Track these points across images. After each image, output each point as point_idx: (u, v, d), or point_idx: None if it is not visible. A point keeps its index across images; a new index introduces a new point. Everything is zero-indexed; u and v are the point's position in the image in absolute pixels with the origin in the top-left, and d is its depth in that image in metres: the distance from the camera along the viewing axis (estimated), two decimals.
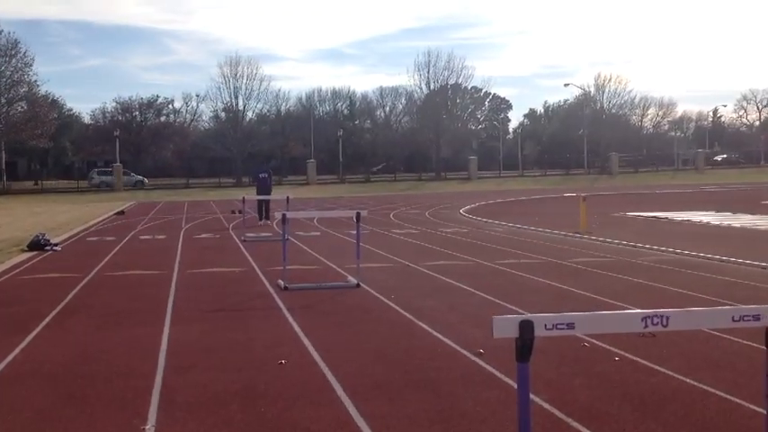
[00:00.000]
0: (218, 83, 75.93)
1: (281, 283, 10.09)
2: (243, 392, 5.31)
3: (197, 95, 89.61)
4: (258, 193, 23.52)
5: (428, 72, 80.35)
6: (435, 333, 7.14)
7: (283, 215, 10.56)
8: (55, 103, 75.31)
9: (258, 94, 78.34)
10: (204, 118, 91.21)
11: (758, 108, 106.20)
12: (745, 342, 6.37)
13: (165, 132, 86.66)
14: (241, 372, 5.87)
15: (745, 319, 3.02)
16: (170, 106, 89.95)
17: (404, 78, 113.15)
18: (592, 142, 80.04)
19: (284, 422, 4.68)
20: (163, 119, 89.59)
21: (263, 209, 22.85)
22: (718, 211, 24.10)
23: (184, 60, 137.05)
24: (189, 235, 19.46)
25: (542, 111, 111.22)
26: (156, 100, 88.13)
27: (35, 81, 61.62)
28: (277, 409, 4.94)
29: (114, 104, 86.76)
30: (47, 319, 8.17)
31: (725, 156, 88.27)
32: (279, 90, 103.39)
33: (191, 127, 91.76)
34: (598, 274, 11.04)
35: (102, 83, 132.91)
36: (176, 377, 5.75)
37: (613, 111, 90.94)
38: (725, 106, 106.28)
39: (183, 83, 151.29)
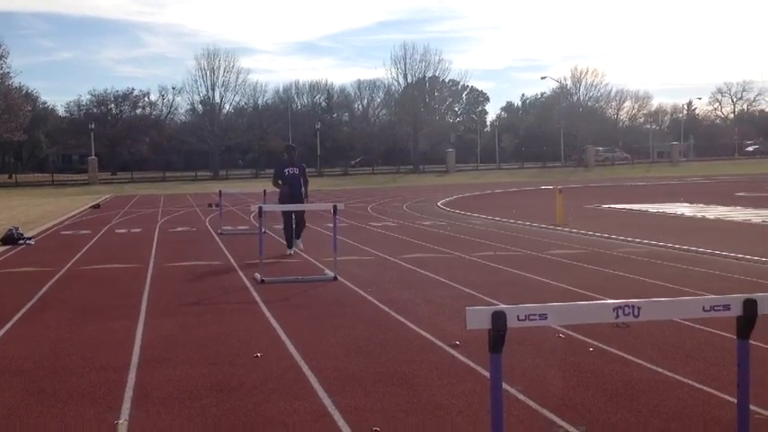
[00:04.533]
0: (195, 75, 76.00)
1: (258, 276, 10.06)
2: (218, 386, 5.29)
3: (173, 88, 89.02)
4: (285, 200, 13.52)
5: (405, 65, 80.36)
6: (412, 325, 7.15)
7: (260, 208, 10.51)
8: (29, 96, 74.41)
9: (235, 87, 78.14)
10: (180, 111, 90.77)
11: (732, 101, 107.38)
12: (716, 332, 6.43)
13: (141, 125, 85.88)
14: (216, 365, 5.85)
15: (716, 309, 3.05)
16: (146, 99, 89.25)
17: (381, 72, 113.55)
18: (568, 135, 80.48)
19: (259, 415, 4.67)
20: (138, 112, 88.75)
21: (295, 226, 13.59)
22: (692, 203, 24.33)
23: (159, 53, 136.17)
24: (165, 228, 19.33)
25: (519, 104, 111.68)
26: (132, 93, 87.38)
27: (8, 73, 60.85)
28: (252, 402, 4.92)
29: (89, 97, 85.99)
30: (19, 314, 8.08)
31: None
32: (256, 83, 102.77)
33: (167, 120, 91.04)
34: (574, 265, 11.10)
35: (76, 76, 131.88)
36: (150, 371, 5.71)
37: (590, 104, 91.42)
38: (699, 99, 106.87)
39: (158, 76, 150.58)
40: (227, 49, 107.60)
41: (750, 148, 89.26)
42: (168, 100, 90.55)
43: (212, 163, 72.02)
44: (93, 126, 67.09)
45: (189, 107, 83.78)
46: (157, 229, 19.01)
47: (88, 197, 38.19)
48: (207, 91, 76.55)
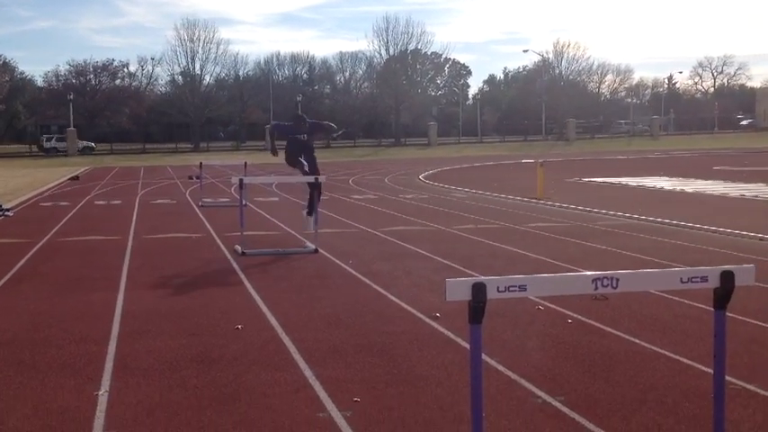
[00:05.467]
0: (175, 46, 75.44)
1: (239, 248, 10.03)
2: (198, 357, 5.29)
3: (152, 59, 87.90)
4: (302, 166, 11.12)
5: (387, 37, 79.97)
6: (392, 297, 7.17)
7: (240, 180, 10.46)
8: (6, 66, 73.35)
9: (216, 58, 77.53)
10: (160, 82, 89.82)
11: (713, 75, 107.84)
12: (694, 304, 6.50)
13: (121, 96, 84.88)
14: (196, 337, 5.84)
15: (694, 280, 3.07)
16: (125, 70, 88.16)
17: (363, 44, 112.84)
18: (550, 109, 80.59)
19: (240, 386, 4.68)
20: (118, 82, 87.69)
21: (312, 197, 11.01)
22: (671, 177, 24.48)
23: (138, 23, 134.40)
24: (145, 200, 19.21)
25: (501, 77, 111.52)
26: (111, 63, 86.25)
27: None
28: (233, 373, 4.93)
29: (68, 67, 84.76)
30: None
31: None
32: (237, 54, 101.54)
33: (146, 91, 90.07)
34: (554, 238, 11.16)
35: (54, 45, 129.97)
36: (130, 343, 5.70)
37: (571, 77, 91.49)
38: (680, 73, 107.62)
39: (137, 46, 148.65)
40: (208, 20, 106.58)
41: (744, 122, 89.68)
42: (148, 71, 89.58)
43: (193, 135, 71.51)
44: (71, 97, 66.20)
45: (169, 78, 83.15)
46: (137, 201, 18.89)
47: (66, 169, 37.82)
48: (187, 62, 75.89)
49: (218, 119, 79.94)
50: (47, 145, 63.18)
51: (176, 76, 79.01)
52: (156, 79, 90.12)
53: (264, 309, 6.79)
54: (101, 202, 18.82)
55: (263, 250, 10.11)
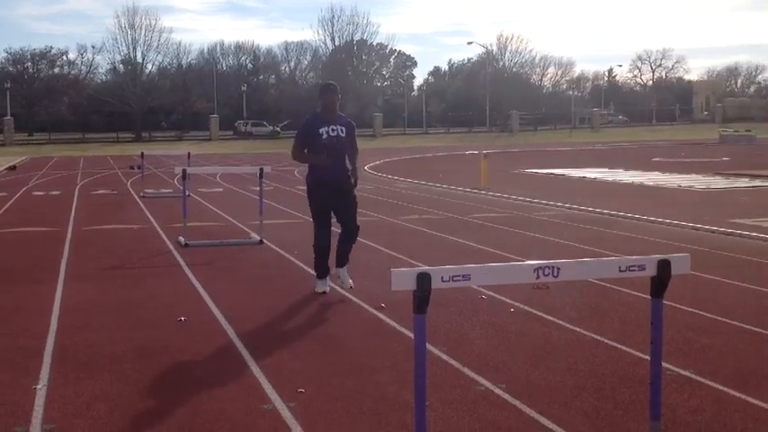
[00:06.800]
0: (115, 34, 73.72)
1: (182, 239, 9.91)
2: (139, 350, 5.22)
3: (93, 47, 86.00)
4: (319, 182, 7.09)
5: (332, 27, 79.80)
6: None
7: (183, 170, 10.33)
8: None
9: (158, 47, 76.26)
10: (101, 71, 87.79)
11: (651, 68, 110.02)
12: (631, 292, 6.65)
13: (59, 85, 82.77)
14: (138, 330, 5.76)
15: (632, 269, 3.15)
16: (64, 58, 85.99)
17: (309, 33, 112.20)
18: (494, 101, 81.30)
19: (183, 378, 4.63)
20: (57, 71, 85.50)
21: (341, 237, 7.23)
22: (611, 168, 24.95)
23: (78, 10, 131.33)
24: (85, 191, 18.83)
25: (446, 69, 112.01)
26: (50, 51, 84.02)
27: None
28: (176, 366, 4.88)
29: (5, 55, 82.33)
30: None
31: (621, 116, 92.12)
32: (179, 43, 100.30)
33: (86, 80, 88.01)
34: (498, 228, 11.29)
35: None
36: (70, 336, 5.59)
37: (515, 70, 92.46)
38: (620, 66, 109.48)
39: (77, 34, 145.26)
40: (149, 7, 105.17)
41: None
42: (88, 59, 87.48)
43: (134, 124, 70.23)
44: (8, 85, 64.45)
45: (109, 67, 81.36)
46: (77, 192, 18.50)
47: (3, 159, 36.79)
48: (128, 50, 74.52)
49: (160, 108, 78.52)
50: None
51: (117, 65, 77.55)
52: (96, 68, 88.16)
53: (208, 300, 6.73)
54: (39, 193, 18.38)
55: (206, 241, 10.01)
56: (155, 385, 4.52)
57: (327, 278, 7.09)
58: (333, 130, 6.95)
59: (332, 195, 7.02)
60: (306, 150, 7.14)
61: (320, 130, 6.93)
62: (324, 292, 6.95)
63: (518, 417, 3.99)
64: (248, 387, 4.48)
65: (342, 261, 7.12)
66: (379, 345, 5.34)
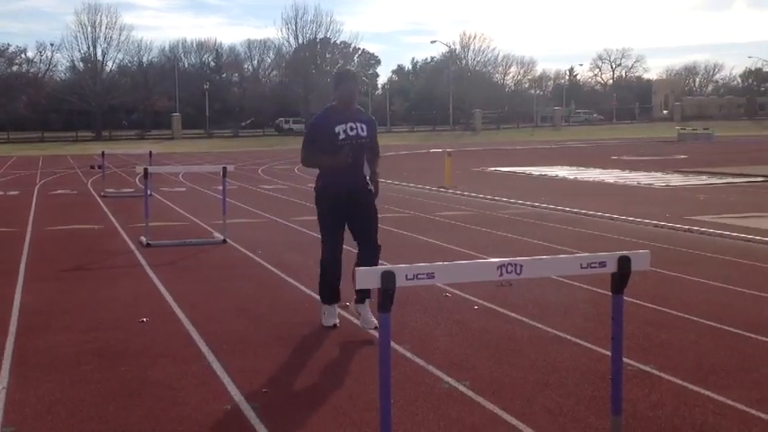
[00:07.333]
0: (75, 31, 72.74)
1: (144, 239, 9.80)
2: (101, 352, 5.15)
3: (52, 45, 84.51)
4: (334, 192, 5.77)
5: (296, 25, 79.44)
6: (302, 287, 7.15)
7: (145, 169, 10.21)
8: None
9: (119, 44, 75.44)
10: (60, 68, 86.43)
11: (612, 67, 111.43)
12: (593, 289, 6.73)
13: (18, 83, 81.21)
14: (99, 331, 5.68)
15: (593, 266, 3.18)
16: (23, 56, 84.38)
17: (272, 31, 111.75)
18: (457, 99, 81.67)
19: (145, 380, 4.58)
20: (15, 69, 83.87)
21: (359, 257, 5.99)
22: (572, 166, 25.21)
23: (36, 7, 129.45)
24: (44, 191, 18.53)
25: (410, 67, 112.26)
26: (8, 49, 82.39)
27: None
28: (138, 367, 4.82)
29: None
30: None
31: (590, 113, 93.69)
32: (140, 40, 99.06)
33: (45, 78, 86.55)
34: (461, 227, 11.35)
35: None
36: (30, 338, 5.50)
37: (478, 68, 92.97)
38: (581, 65, 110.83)
39: (35, 31, 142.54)
40: (110, 4, 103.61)
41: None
42: (47, 57, 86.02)
43: (94, 123, 69.34)
44: None
45: (69, 64, 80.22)
46: (36, 192, 18.21)
47: None
48: (88, 48, 73.65)
49: (121, 106, 77.60)
50: None
51: (77, 63, 76.51)
52: (55, 66, 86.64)
53: (171, 301, 6.67)
54: None
55: (169, 241, 9.91)
56: (116, 388, 4.46)
57: (336, 306, 5.82)
58: (352, 128, 5.67)
59: (347, 207, 5.77)
60: (319, 152, 5.77)
61: (336, 129, 5.63)
62: (334, 326, 5.67)
63: (482, 414, 4.02)
64: (212, 388, 4.44)
65: (362, 294, 5.63)
66: (343, 344, 5.33)
